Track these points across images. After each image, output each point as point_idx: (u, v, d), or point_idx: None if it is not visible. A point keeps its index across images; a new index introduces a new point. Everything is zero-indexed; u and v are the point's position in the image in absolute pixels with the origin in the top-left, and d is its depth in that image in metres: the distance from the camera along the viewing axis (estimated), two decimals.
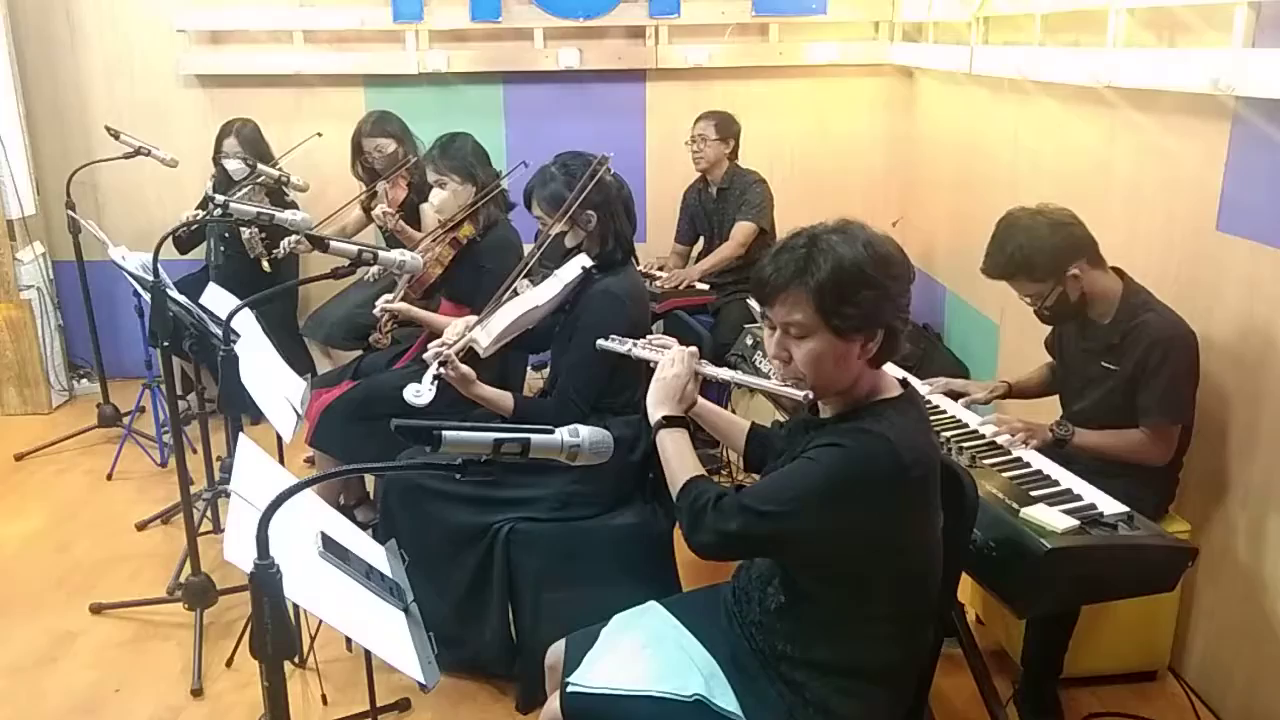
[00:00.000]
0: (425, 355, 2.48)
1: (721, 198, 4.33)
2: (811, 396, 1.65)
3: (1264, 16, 2.29)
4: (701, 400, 2.03)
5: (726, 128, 4.28)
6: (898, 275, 1.62)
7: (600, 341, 2.08)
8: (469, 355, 2.53)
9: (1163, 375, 2.36)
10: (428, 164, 3.25)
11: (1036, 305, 2.47)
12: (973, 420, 2.55)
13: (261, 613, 1.36)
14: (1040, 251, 2.38)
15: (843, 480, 1.58)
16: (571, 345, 2.58)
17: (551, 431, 1.52)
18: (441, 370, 2.42)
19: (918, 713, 1.90)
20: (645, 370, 2.01)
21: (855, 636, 1.70)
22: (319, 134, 4.37)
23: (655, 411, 1.85)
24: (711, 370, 1.90)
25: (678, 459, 1.78)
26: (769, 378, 1.81)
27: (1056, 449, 2.40)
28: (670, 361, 1.91)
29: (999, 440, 2.42)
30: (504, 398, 2.58)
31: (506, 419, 2.58)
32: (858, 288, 1.57)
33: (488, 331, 2.53)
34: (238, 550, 1.42)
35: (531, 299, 2.55)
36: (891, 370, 1.78)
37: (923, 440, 1.67)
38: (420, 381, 2.34)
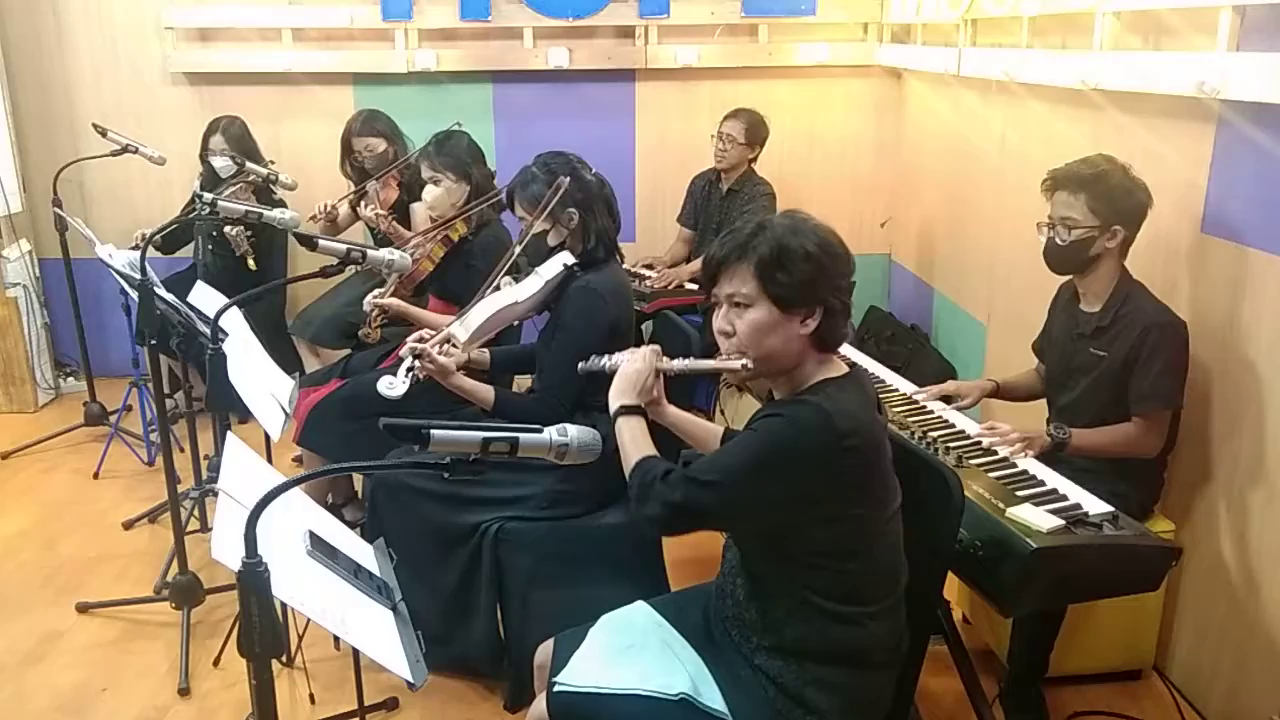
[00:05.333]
0: (402, 351, 2.49)
1: (730, 198, 4.33)
2: (750, 367, 1.71)
3: (1248, 20, 2.31)
4: (674, 409, 2.08)
5: (754, 133, 4.26)
6: (836, 256, 1.71)
7: (581, 365, 2.11)
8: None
9: (1157, 360, 2.37)
10: (423, 160, 3.25)
11: (1062, 230, 2.44)
12: (971, 429, 2.55)
13: (249, 611, 1.36)
14: (1117, 190, 2.39)
15: (779, 447, 1.64)
16: (553, 343, 2.59)
17: (540, 430, 1.52)
18: (416, 363, 2.43)
19: (903, 710, 1.91)
20: None
21: (820, 617, 1.71)
22: (272, 161, 4.28)
23: (614, 402, 1.92)
24: (668, 364, 1.96)
25: (632, 442, 1.84)
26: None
27: (1056, 454, 2.40)
28: (633, 358, 1.97)
29: (999, 451, 2.40)
30: (485, 390, 2.58)
31: (487, 412, 2.59)
32: (796, 261, 1.66)
33: (465, 326, 2.54)
34: (225, 549, 1.42)
35: (511, 295, 2.55)
36: (856, 356, 1.81)
37: (863, 413, 1.70)
38: (395, 374, 2.36)
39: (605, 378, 2.58)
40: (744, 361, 1.72)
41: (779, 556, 1.73)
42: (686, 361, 1.95)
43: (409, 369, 2.42)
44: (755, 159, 4.33)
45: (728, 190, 4.34)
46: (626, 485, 2.63)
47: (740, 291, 1.70)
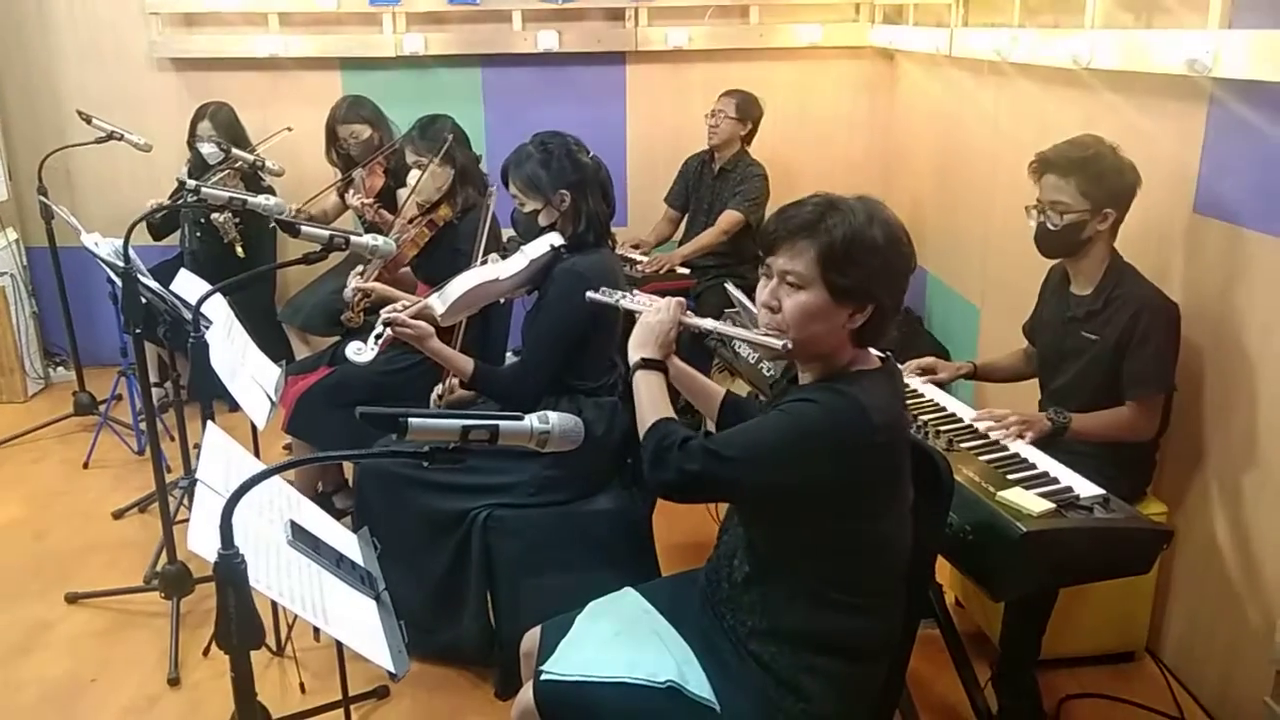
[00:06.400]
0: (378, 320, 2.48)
1: (722, 178, 4.30)
2: (789, 347, 1.65)
3: None
4: (679, 362, 2.00)
5: (746, 109, 4.24)
6: (902, 255, 1.65)
7: (589, 294, 2.07)
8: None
9: (1150, 344, 2.35)
10: (407, 145, 3.23)
11: (1053, 215, 2.40)
12: (966, 414, 2.53)
13: (226, 603, 1.34)
14: (1109, 172, 2.36)
15: (810, 434, 1.59)
16: (535, 322, 2.58)
17: (520, 418, 1.50)
18: (389, 331, 2.42)
19: (895, 693, 1.90)
20: (622, 351, 1.99)
21: (821, 606, 1.69)
22: (289, 128, 4.31)
23: (634, 353, 1.84)
24: (696, 320, 1.88)
25: (649, 400, 1.77)
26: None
27: (1055, 439, 2.37)
28: (657, 309, 1.89)
29: (995, 436, 2.37)
30: (463, 360, 2.57)
31: (463, 383, 2.59)
32: (865, 254, 1.59)
33: (443, 298, 2.53)
34: (202, 540, 1.40)
35: (493, 271, 2.54)
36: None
37: (895, 410, 1.67)
38: (366, 341, 2.37)
39: (600, 359, 2.58)
40: (785, 342, 1.65)
41: (788, 542, 1.70)
42: (717, 324, 1.87)
43: (378, 336, 2.43)
44: (748, 137, 4.30)
45: (720, 170, 4.31)
46: (616, 471, 2.67)
47: (797, 271, 1.62)
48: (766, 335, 1.68)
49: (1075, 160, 2.37)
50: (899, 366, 2.75)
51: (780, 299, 1.65)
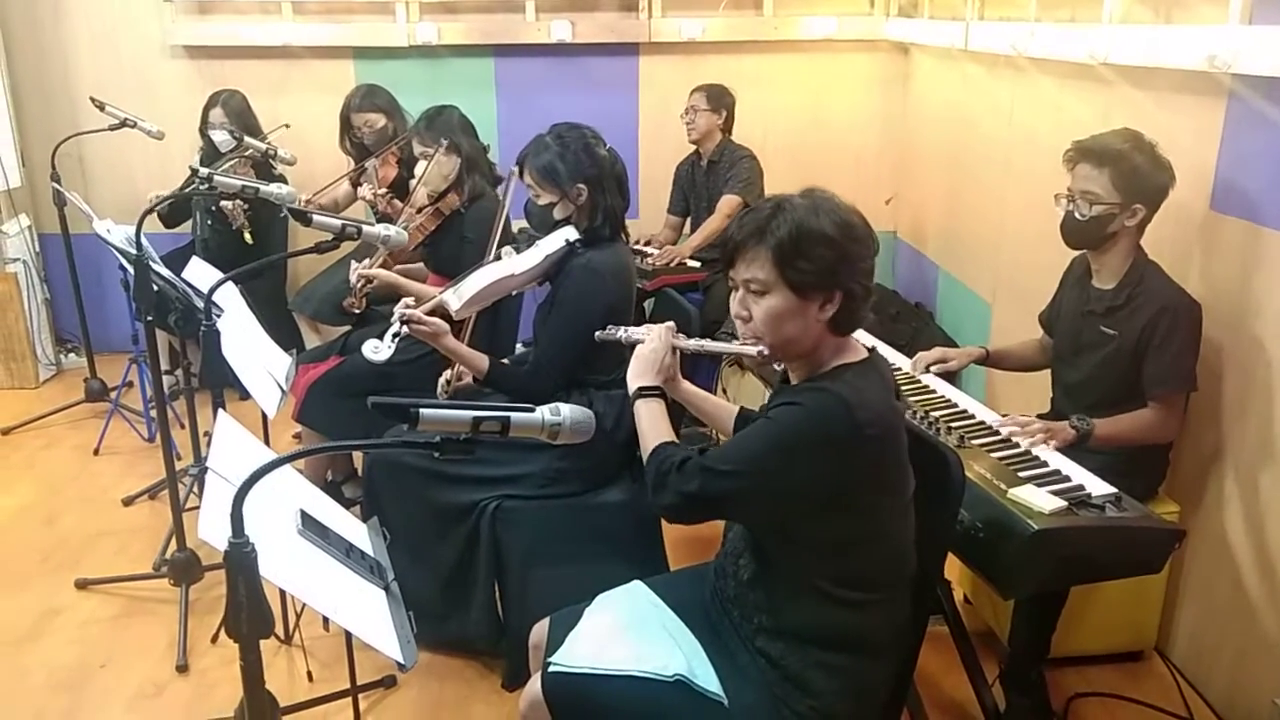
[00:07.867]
0: (393, 316, 2.48)
1: (711, 170, 4.31)
2: (766, 353, 1.69)
3: None
4: (689, 385, 2.07)
5: (718, 99, 4.26)
6: (858, 239, 1.66)
7: (598, 334, 2.14)
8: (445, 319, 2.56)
9: (1172, 343, 2.33)
10: (414, 136, 3.23)
11: (1082, 205, 2.38)
12: (978, 410, 2.51)
13: (236, 592, 1.35)
14: (1143, 169, 2.34)
15: (797, 437, 1.61)
16: (549, 318, 2.57)
17: (532, 409, 1.49)
18: (405, 329, 2.43)
19: (903, 691, 1.89)
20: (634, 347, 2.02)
21: (826, 603, 1.69)
22: (286, 125, 4.32)
23: (633, 384, 1.90)
24: (685, 342, 1.95)
25: (650, 426, 1.82)
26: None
27: (1080, 445, 2.34)
28: (648, 338, 1.95)
29: (1021, 444, 2.33)
30: (478, 358, 2.57)
31: (478, 380, 2.60)
32: (815, 245, 1.61)
33: (459, 294, 2.53)
34: (212, 528, 1.40)
35: (509, 266, 2.54)
36: (864, 338, 1.77)
37: (881, 401, 1.67)
38: (382, 338, 2.36)
39: (612, 353, 2.57)
40: (760, 348, 1.69)
41: (789, 542, 1.71)
42: (702, 342, 1.94)
43: (395, 334, 2.43)
44: (726, 127, 4.31)
45: (708, 164, 4.32)
46: (626, 464, 2.67)
47: (757, 277, 1.65)
48: (744, 345, 1.72)
49: (1112, 152, 2.35)
50: (898, 361, 2.78)
51: (749, 307, 1.69)
